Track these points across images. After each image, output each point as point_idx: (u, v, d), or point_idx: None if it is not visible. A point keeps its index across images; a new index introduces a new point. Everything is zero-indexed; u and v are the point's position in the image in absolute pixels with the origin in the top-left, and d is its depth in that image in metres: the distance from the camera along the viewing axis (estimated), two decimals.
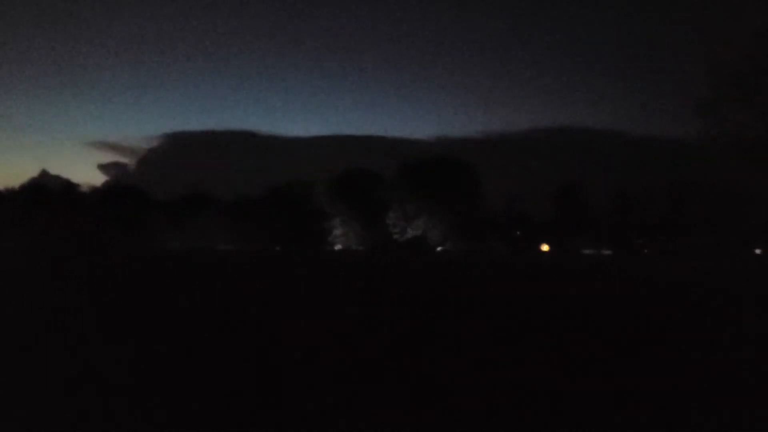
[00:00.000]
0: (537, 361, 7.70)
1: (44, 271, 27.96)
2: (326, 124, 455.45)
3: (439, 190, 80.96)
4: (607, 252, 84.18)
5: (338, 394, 5.97)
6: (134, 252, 63.16)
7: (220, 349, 8.49)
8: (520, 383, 6.52)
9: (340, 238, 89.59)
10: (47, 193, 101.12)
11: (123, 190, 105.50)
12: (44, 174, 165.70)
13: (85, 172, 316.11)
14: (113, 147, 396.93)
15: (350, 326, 10.89)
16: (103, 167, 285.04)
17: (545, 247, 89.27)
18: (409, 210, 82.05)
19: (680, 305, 15.41)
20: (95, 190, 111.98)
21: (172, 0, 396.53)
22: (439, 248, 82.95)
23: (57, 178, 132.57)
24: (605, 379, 6.81)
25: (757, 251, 77.55)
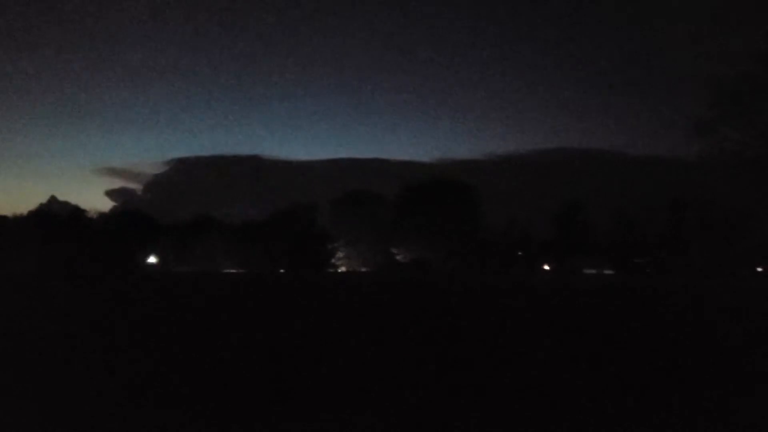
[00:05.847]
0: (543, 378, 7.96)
1: (53, 295, 28.45)
2: (330, 148, 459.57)
3: (440, 212, 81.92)
4: (609, 272, 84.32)
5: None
6: (140, 276, 64.07)
7: (222, 363, 9.09)
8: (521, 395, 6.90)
9: (344, 259, 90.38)
10: (55, 219, 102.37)
11: (130, 215, 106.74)
12: (53, 200, 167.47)
13: (93, 197, 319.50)
14: (121, 173, 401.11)
15: (355, 344, 11.45)
16: (111, 193, 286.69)
17: (546, 267, 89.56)
18: (412, 232, 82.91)
19: (686, 324, 15.43)
20: (103, 216, 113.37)
21: (177, 27, 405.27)
22: (440, 269, 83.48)
23: (65, 204, 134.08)
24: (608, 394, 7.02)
25: (759, 269, 77.64)
